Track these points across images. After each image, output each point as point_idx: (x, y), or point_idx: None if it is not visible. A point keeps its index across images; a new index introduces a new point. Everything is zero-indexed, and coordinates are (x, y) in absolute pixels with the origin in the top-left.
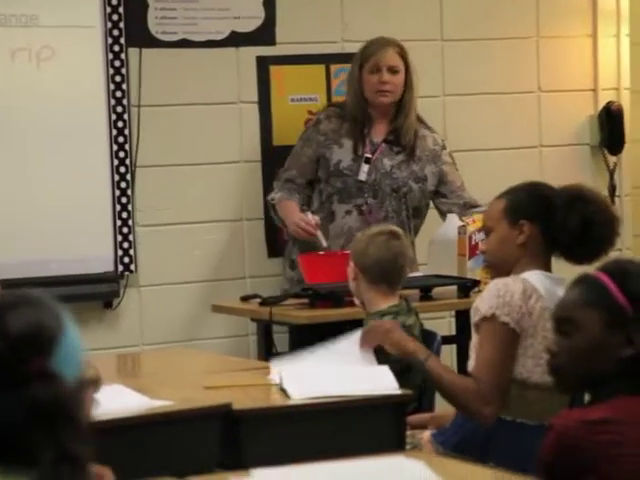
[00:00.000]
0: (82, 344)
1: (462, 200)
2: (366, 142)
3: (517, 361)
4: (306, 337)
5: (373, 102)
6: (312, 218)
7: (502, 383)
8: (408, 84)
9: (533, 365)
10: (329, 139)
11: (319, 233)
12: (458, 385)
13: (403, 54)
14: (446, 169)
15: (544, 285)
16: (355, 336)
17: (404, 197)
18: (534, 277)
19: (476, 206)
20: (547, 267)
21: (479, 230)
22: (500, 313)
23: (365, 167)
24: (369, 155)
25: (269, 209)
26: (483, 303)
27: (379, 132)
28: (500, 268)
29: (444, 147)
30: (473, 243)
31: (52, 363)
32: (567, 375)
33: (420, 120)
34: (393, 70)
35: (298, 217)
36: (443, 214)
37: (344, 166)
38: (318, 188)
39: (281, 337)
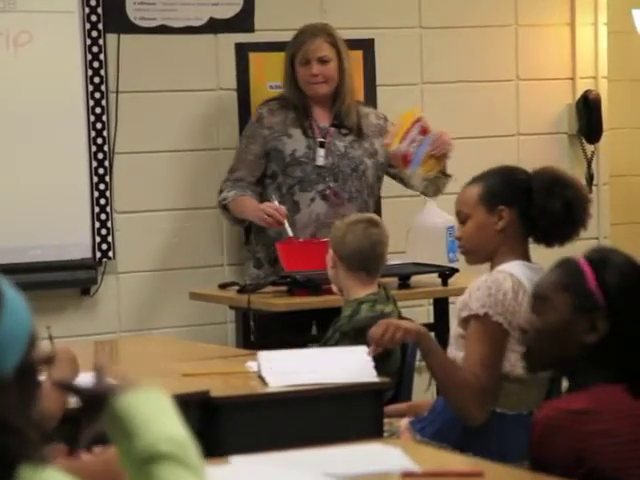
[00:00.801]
0: (29, 324)
1: None
2: (314, 127)
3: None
4: (272, 325)
5: (308, 93)
6: (280, 206)
7: (496, 382)
8: (342, 70)
9: (516, 359)
10: (276, 132)
11: (286, 222)
12: (459, 378)
13: (333, 41)
14: None
15: (527, 277)
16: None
17: (363, 175)
18: (517, 269)
19: None
20: (526, 254)
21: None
22: (493, 312)
23: (321, 151)
24: (322, 139)
25: (220, 210)
26: (473, 300)
27: (323, 118)
28: (478, 255)
29: (386, 118)
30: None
31: None
32: (535, 354)
33: (358, 101)
34: (323, 60)
35: (265, 205)
36: (404, 182)
37: (300, 154)
38: (276, 182)
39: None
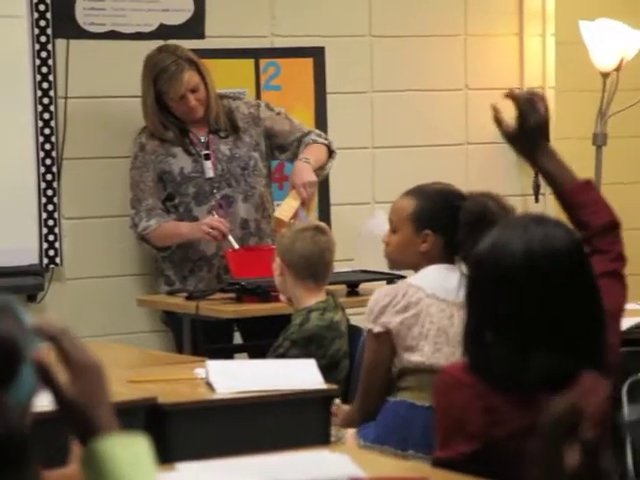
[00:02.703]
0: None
1: (295, 138)
2: (195, 142)
3: (415, 351)
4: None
5: (188, 120)
6: (222, 220)
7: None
8: (205, 84)
9: (433, 351)
10: (160, 154)
11: (230, 235)
12: None
13: (193, 64)
14: (269, 124)
15: (434, 277)
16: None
17: (255, 169)
18: (423, 272)
19: (306, 133)
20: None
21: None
22: (369, 322)
23: (208, 164)
24: (206, 152)
25: (139, 241)
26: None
27: (201, 130)
28: (399, 265)
29: (259, 105)
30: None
31: (11, 393)
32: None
33: (222, 97)
34: (194, 90)
35: (208, 219)
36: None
37: (189, 170)
38: (172, 204)
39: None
